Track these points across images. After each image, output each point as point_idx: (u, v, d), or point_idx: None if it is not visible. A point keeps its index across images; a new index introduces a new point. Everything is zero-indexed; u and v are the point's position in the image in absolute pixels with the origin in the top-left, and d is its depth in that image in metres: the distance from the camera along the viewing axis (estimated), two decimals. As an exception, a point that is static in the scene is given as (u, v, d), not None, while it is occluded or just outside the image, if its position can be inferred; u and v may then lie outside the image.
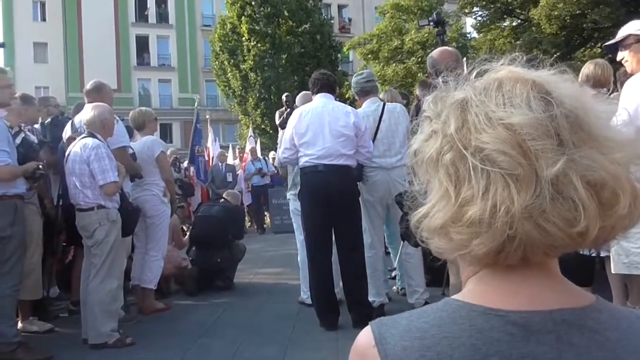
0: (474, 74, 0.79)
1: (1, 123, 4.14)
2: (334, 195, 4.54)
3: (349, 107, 4.90)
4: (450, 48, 4.50)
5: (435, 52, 4.20)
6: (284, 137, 4.89)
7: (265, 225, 13.53)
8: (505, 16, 26.16)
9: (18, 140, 4.60)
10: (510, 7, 25.18)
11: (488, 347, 0.69)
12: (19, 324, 4.60)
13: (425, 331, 0.72)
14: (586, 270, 3.78)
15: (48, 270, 5.22)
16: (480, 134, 0.70)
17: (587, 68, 4.36)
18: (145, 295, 5.52)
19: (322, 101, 4.74)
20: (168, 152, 11.11)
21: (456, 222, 0.72)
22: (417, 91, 5.93)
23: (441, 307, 0.75)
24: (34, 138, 4.91)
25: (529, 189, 0.67)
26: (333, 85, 4.88)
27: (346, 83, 22.64)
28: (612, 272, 3.75)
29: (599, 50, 20.28)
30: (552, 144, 0.68)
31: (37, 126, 5.54)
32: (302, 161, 4.67)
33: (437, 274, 5.32)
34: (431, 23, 12.52)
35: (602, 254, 4.28)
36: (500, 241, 0.69)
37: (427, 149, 0.76)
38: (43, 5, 37.21)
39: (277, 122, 11.27)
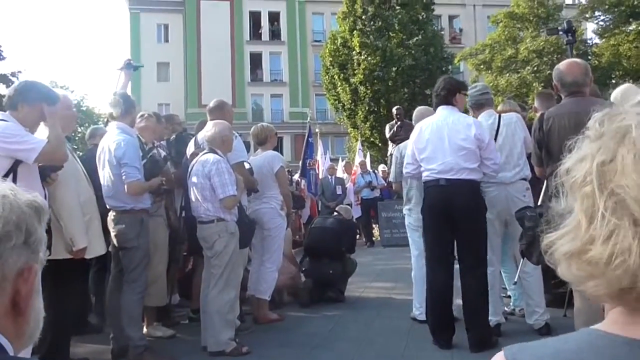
0: (632, 100, 0.75)
1: (135, 140, 4.45)
2: (457, 209, 4.43)
3: (471, 119, 4.76)
4: (578, 60, 4.25)
5: (562, 65, 3.99)
6: (407, 152, 4.88)
7: (374, 239, 13.50)
8: (630, 19, 24.51)
9: (157, 155, 4.95)
10: (637, 10, 23.54)
11: None
12: (144, 329, 4.89)
13: (562, 358, 0.70)
14: None
15: (170, 279, 5.51)
16: (624, 175, 0.68)
17: None
18: (260, 305, 5.66)
19: (443, 114, 4.64)
20: (282, 165, 11.45)
21: (580, 257, 0.71)
22: (535, 103, 5.66)
23: (579, 336, 0.73)
24: (162, 154, 5.23)
25: None
26: (453, 93, 4.71)
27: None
28: None
29: None
30: None
31: (162, 142, 5.89)
32: (424, 175, 4.62)
33: (557, 295, 5.02)
34: (560, 32, 11.98)
35: None
36: (616, 289, 0.68)
37: (576, 172, 0.74)
38: (166, 27, 39.80)
39: (387, 135, 11.24)
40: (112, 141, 4.41)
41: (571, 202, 0.75)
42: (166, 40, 39.91)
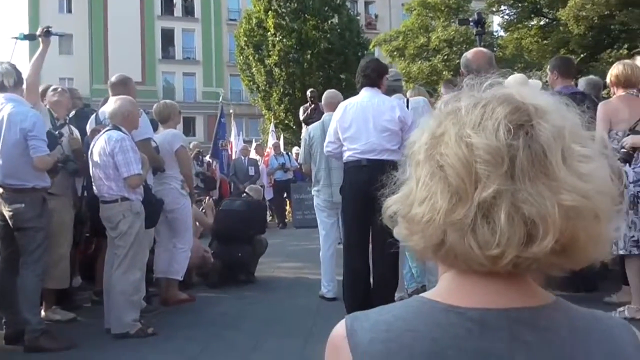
0: (487, 83, 0.84)
1: (40, 114, 4.22)
2: (376, 190, 4.47)
3: (395, 101, 4.82)
4: (484, 50, 4.45)
5: (470, 53, 4.17)
6: (329, 130, 4.80)
7: (286, 220, 13.56)
8: (532, 15, 25.81)
9: (65, 131, 4.70)
10: (538, 7, 24.82)
11: (446, 341, 0.75)
12: (42, 313, 4.67)
13: (391, 324, 0.78)
14: (581, 276, 3.71)
15: (71, 261, 5.29)
16: (447, 146, 0.76)
17: (616, 68, 4.27)
18: (170, 285, 5.56)
19: (368, 95, 4.64)
20: (191, 146, 11.22)
21: (406, 216, 0.81)
22: (442, 90, 5.87)
23: (408, 303, 0.82)
24: (74, 131, 4.99)
25: (463, 206, 0.74)
26: (381, 77, 4.73)
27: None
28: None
29: (626, 51, 19.95)
30: (498, 172, 0.73)
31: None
32: (346, 155, 4.60)
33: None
34: (471, 23, 12.42)
35: (621, 252, 4.23)
36: (431, 244, 0.78)
37: (417, 143, 0.83)
38: (69, -4, 37.68)
39: (301, 117, 11.30)
40: (14, 113, 4.11)
41: (409, 169, 0.84)
42: (69, 11, 37.73)
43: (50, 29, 5.01)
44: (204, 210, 8.30)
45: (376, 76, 4.69)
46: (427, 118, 0.86)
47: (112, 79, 5.31)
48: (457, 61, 20.39)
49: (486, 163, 0.73)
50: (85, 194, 5.14)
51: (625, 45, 20.33)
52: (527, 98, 0.78)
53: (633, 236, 4.20)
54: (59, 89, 5.06)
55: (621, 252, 4.26)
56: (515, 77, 4.44)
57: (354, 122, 4.55)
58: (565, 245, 0.73)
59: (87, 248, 5.67)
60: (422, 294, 0.84)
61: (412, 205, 0.80)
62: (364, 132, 4.51)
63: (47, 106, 4.95)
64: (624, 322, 0.83)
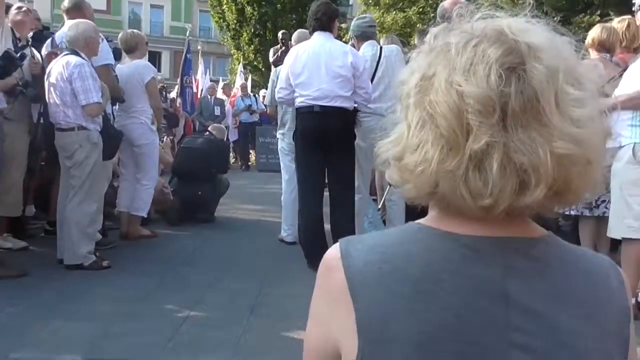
0: (478, 15, 0.80)
1: None
2: (329, 137, 4.44)
3: (347, 47, 4.73)
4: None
5: (447, 2, 4.12)
6: (281, 76, 4.71)
7: (250, 163, 13.48)
8: (510, -26, 25.63)
9: (27, 52, 4.47)
10: (517, -36, 24.66)
11: (440, 264, 0.76)
12: (-7, 240, 4.56)
13: (387, 247, 0.79)
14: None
15: (26, 189, 5.14)
16: (437, 93, 0.74)
17: (595, 31, 4.26)
18: (132, 221, 5.50)
19: (320, 40, 4.56)
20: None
21: (399, 162, 0.80)
22: (415, 40, 5.77)
23: (403, 229, 0.83)
24: (35, 54, 4.75)
25: (455, 156, 0.72)
26: (332, 20, 4.64)
27: (344, 26, 22.20)
28: (611, 235, 3.73)
29: (598, 18, 20.05)
30: (489, 121, 0.71)
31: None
32: (298, 102, 4.53)
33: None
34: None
35: (572, 213, 4.33)
36: (423, 192, 0.78)
37: (406, 85, 0.81)
38: None
39: (271, 59, 11.03)
40: None
41: (401, 112, 0.82)
42: None
43: None
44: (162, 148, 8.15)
45: (327, 20, 4.60)
46: (416, 55, 0.83)
47: (65, 2, 5.03)
48: (432, 14, 20.22)
49: (477, 113, 0.71)
50: (42, 120, 4.95)
51: (598, 12, 20.43)
52: (520, 35, 0.75)
53: (587, 198, 4.27)
54: (24, 8, 4.80)
55: (573, 213, 4.36)
56: None
57: (305, 67, 4.47)
58: (557, 191, 0.73)
59: (42, 177, 5.51)
60: (418, 221, 0.83)
61: (404, 152, 0.79)
62: (315, 78, 4.44)
63: (10, 25, 4.70)
64: (609, 259, 0.85)
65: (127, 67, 5.28)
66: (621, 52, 4.41)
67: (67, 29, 4.47)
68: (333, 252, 0.82)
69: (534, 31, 0.76)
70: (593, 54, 4.29)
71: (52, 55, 4.53)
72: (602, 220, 4.11)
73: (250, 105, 13.40)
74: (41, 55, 4.90)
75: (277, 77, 5.54)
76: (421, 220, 0.83)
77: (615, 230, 3.62)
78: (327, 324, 0.81)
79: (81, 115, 4.27)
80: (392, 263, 0.77)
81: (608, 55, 4.29)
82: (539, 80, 0.72)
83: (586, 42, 4.44)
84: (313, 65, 4.46)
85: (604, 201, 4.15)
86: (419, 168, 0.76)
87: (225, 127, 10.94)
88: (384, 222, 5.36)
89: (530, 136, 0.71)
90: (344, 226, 4.53)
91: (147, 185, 5.49)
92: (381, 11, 25.93)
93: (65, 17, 4.92)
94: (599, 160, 0.76)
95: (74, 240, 4.32)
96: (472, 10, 0.81)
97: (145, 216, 5.60)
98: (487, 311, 0.73)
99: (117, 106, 5.22)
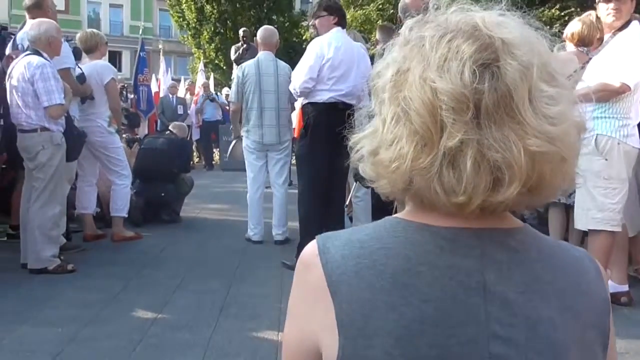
0: (453, 8, 0.80)
1: None
2: (343, 136, 4.41)
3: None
4: None
5: (398, -2, 4.15)
6: (307, 64, 4.44)
7: (214, 162, 13.38)
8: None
9: None
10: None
11: (419, 257, 0.76)
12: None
13: (364, 242, 0.78)
14: None
15: (-14, 192, 5.03)
16: (412, 88, 0.74)
17: (574, 26, 4.24)
18: (116, 223, 5.47)
19: (345, 36, 4.54)
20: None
21: (373, 157, 0.80)
22: (377, 35, 5.84)
23: (381, 223, 0.82)
24: None
25: (429, 153, 0.73)
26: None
27: (304, 23, 22.18)
28: (576, 227, 3.75)
29: (557, 12, 20.52)
30: (463, 119, 0.71)
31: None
32: (326, 96, 4.40)
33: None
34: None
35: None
36: (397, 188, 0.78)
37: (382, 78, 0.81)
38: None
39: (233, 57, 11.01)
40: None
41: (375, 105, 0.82)
42: None
43: None
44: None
45: (343, 17, 4.63)
46: (391, 47, 0.83)
47: (27, 0, 4.94)
48: (392, 11, 20.40)
49: (451, 110, 0.72)
50: (2, 122, 4.84)
51: (557, 5, 20.88)
52: (494, 30, 0.75)
53: (560, 193, 4.34)
54: None
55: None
56: None
57: (343, 63, 4.41)
58: (531, 187, 0.74)
59: (3, 180, 5.39)
60: (394, 215, 0.83)
61: (379, 147, 0.79)
62: (351, 74, 4.41)
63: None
64: (585, 251, 0.86)
65: (87, 67, 5.20)
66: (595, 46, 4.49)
67: (29, 28, 4.38)
68: (310, 248, 0.82)
69: (508, 26, 0.76)
70: (570, 48, 4.35)
71: (10, 58, 4.44)
72: (571, 209, 4.08)
73: (213, 98, 13.36)
74: (1, 57, 4.80)
75: (243, 73, 5.48)
76: (398, 215, 0.83)
77: (580, 222, 3.67)
78: (306, 322, 0.80)
79: (43, 117, 4.20)
80: (370, 257, 0.76)
81: (585, 48, 4.37)
82: (513, 78, 0.72)
83: (565, 35, 4.51)
84: (349, 61, 4.42)
85: (573, 191, 4.26)
86: (393, 164, 0.76)
87: (188, 125, 10.84)
88: (351, 218, 5.41)
89: (503, 133, 0.71)
90: (335, 227, 4.49)
91: (122, 185, 5.45)
92: (343, 7, 26.03)
93: (27, 16, 4.83)
94: (573, 157, 0.77)
95: (38, 243, 4.25)
96: (448, 2, 0.81)
97: (126, 216, 5.56)
98: (466, 302, 0.74)
99: (85, 103, 5.14)
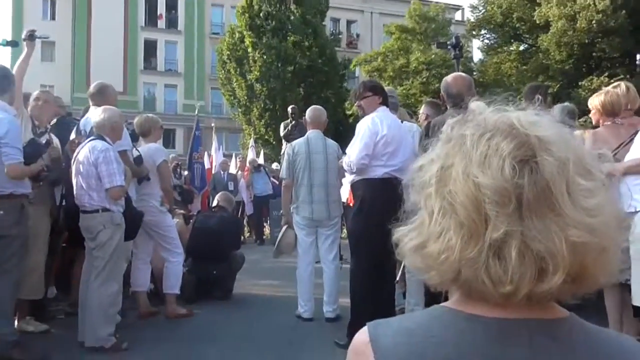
0: (491, 108, 0.86)
1: (16, 121, 4.17)
2: (396, 211, 4.46)
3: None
4: (464, 75, 4.54)
5: (450, 77, 4.25)
6: (362, 141, 4.56)
7: (264, 237, 13.49)
8: (512, 40, 26.32)
9: (43, 139, 4.66)
10: (518, 32, 25.33)
11: (469, 347, 0.78)
12: (15, 323, 4.58)
13: (414, 330, 0.81)
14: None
15: (48, 271, 5.21)
16: (456, 183, 0.79)
17: (600, 97, 4.25)
18: (169, 300, 5.58)
19: (391, 115, 4.76)
20: (169, 158, 11.16)
21: (421, 251, 0.82)
22: (424, 109, 5.92)
23: (430, 312, 0.85)
24: (53, 139, 4.95)
25: (476, 244, 0.76)
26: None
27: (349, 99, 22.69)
28: (635, 303, 3.64)
29: (607, 79, 20.39)
30: (506, 211, 0.75)
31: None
32: (382, 171, 4.51)
33: (436, 295, 5.27)
34: (449, 46, 12.69)
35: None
36: (446, 279, 0.81)
37: (425, 173, 0.85)
38: (53, 3, 37.34)
39: (282, 133, 11.32)
40: None
41: (419, 199, 0.86)
42: (52, 18, 37.35)
43: (34, 33, 5.03)
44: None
45: (386, 97, 4.81)
46: (435, 144, 0.87)
47: (91, 88, 5.31)
48: (437, 85, 20.72)
49: (494, 203, 0.76)
50: (64, 203, 5.08)
51: (606, 73, 20.78)
52: (530, 128, 0.79)
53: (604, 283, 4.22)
54: (42, 96, 5.03)
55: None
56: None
57: (394, 139, 4.55)
58: (575, 277, 0.76)
59: (64, 258, 5.59)
60: (443, 304, 0.86)
61: (427, 240, 0.82)
62: (401, 149, 4.55)
63: (29, 113, 4.92)
64: (635, 341, 0.86)
65: (141, 149, 5.45)
66: (623, 115, 4.45)
67: (94, 115, 4.67)
68: (362, 336, 0.84)
69: (542, 124, 0.81)
70: (604, 120, 4.32)
71: (73, 143, 4.72)
72: (626, 287, 4.05)
73: (259, 165, 13.74)
74: (66, 140, 5.10)
75: (293, 151, 5.61)
76: (446, 303, 0.86)
77: (637, 299, 3.56)
78: None
79: (105, 198, 4.39)
80: (421, 346, 0.78)
81: (619, 119, 4.34)
82: (551, 172, 0.76)
83: (591, 107, 4.49)
84: (400, 137, 4.59)
85: (628, 268, 4.12)
86: (442, 256, 0.79)
87: (239, 202, 11.04)
88: (404, 294, 5.32)
89: (545, 225, 0.75)
90: (387, 305, 4.46)
91: (175, 262, 5.60)
92: (386, 82, 26.53)
93: (90, 102, 5.15)
94: (614, 247, 0.79)
95: (95, 322, 4.34)
96: (485, 104, 0.87)
97: (179, 293, 5.67)
98: None
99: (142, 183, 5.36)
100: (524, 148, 0.77)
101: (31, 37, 4.96)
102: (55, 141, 5.07)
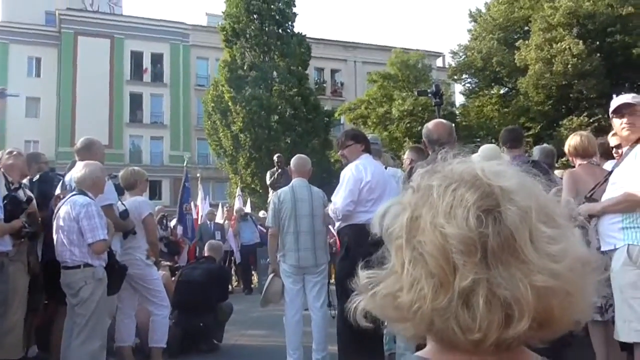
0: (457, 160, 0.88)
1: None
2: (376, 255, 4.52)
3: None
4: (444, 121, 4.65)
5: (431, 124, 4.34)
6: (347, 189, 4.69)
7: (252, 285, 13.33)
8: (493, 84, 26.95)
9: (20, 195, 4.62)
10: (499, 76, 25.95)
11: None
12: (-5, 385, 4.46)
13: None
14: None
15: (28, 329, 5.09)
16: (424, 233, 0.80)
17: (574, 140, 4.45)
18: (155, 354, 5.48)
19: (372, 161, 4.84)
20: (156, 209, 11.11)
21: (393, 301, 0.83)
22: (408, 154, 6.00)
23: None
24: (28, 194, 4.91)
25: (446, 293, 0.77)
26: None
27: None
28: (619, 339, 3.65)
29: (586, 119, 20.81)
30: (472, 260, 0.77)
31: (25, 181, 5.51)
32: (365, 217, 4.52)
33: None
34: (429, 94, 13.00)
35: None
36: (420, 330, 0.82)
37: (396, 222, 0.86)
38: (39, 61, 37.71)
39: (268, 182, 11.35)
40: None
41: (389, 247, 0.87)
42: (38, 75, 37.69)
43: (4, 91, 5.10)
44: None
45: (368, 145, 4.94)
46: (405, 191, 0.90)
47: (77, 144, 5.31)
48: (419, 129, 21.04)
49: (460, 253, 0.77)
50: (41, 259, 5.00)
51: (585, 113, 21.25)
52: (493, 179, 0.81)
53: (595, 302, 4.23)
54: (14, 152, 5.02)
55: (583, 319, 4.30)
56: (488, 149, 4.63)
57: (378, 184, 4.66)
58: (541, 321, 0.78)
59: (44, 315, 5.47)
60: (417, 354, 0.87)
61: (399, 290, 0.83)
62: (385, 195, 4.60)
63: (2, 170, 4.89)
64: None
65: (127, 203, 5.43)
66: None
67: (75, 170, 4.66)
68: None
69: (506, 174, 0.83)
70: (580, 161, 4.44)
71: (57, 198, 4.69)
72: (612, 325, 4.04)
73: (246, 214, 13.69)
74: (50, 196, 5.06)
75: (279, 199, 5.62)
76: (419, 353, 0.87)
77: (622, 334, 3.54)
78: None
79: (87, 253, 4.34)
80: None
81: (595, 160, 4.44)
82: (513, 221, 0.78)
83: (566, 150, 4.62)
84: (382, 184, 4.69)
85: (611, 305, 4.12)
86: (415, 305, 0.80)
87: (227, 251, 10.95)
88: (394, 338, 5.26)
89: (510, 272, 0.76)
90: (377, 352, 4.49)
91: (160, 315, 5.51)
92: (370, 129, 26.94)
93: (76, 157, 5.14)
94: (579, 291, 0.80)
95: (77, 380, 4.23)
96: (453, 154, 0.90)
97: (165, 346, 5.56)
98: None
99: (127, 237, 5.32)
100: (488, 198, 0.80)
101: (1, 94, 5.03)
102: (30, 195, 5.02)
